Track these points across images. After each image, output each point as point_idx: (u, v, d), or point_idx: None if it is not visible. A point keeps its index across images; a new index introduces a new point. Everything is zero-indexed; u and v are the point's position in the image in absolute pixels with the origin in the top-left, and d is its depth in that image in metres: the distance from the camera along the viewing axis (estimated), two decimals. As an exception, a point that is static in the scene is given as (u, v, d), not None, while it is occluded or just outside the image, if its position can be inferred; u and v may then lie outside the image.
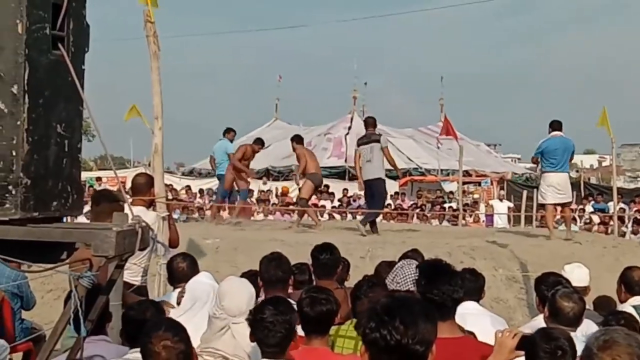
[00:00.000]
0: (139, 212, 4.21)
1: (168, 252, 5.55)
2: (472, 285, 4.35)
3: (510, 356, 2.84)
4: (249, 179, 12.77)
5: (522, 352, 2.85)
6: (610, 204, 16.45)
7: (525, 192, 17.71)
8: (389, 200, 16.26)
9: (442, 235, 11.13)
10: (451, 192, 21.83)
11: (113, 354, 3.32)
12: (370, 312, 2.11)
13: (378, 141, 10.25)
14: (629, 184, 37.39)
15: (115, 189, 9.98)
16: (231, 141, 12.96)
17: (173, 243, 5.94)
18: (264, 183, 22.67)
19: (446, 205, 19.72)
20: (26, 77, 2.65)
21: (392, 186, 16.27)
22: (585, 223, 16.87)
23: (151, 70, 6.53)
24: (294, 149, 11.54)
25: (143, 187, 5.63)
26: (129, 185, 6.46)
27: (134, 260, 4.90)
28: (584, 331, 3.57)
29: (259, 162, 20.18)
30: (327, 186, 19.13)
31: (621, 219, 14.95)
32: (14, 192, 2.64)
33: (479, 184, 23.31)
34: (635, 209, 17.54)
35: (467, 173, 22.10)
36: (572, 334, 3.18)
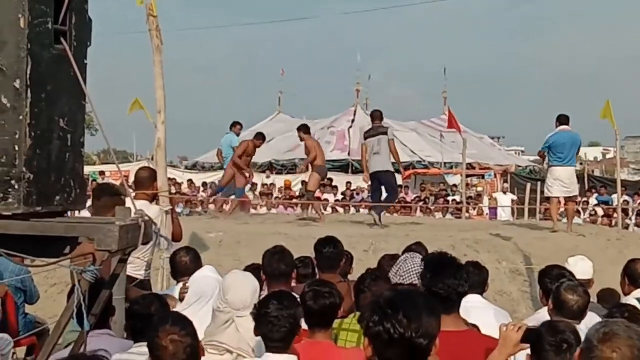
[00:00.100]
0: (142, 205, 4.20)
1: (171, 246, 5.56)
2: (475, 278, 4.32)
3: (515, 349, 2.84)
4: (248, 175, 12.68)
5: (527, 345, 2.85)
6: (614, 196, 16.44)
7: (528, 185, 17.60)
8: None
9: (446, 228, 11.13)
10: (454, 185, 21.78)
11: (116, 348, 3.31)
12: (374, 305, 2.11)
13: (385, 133, 10.24)
14: (632, 176, 37.21)
15: (118, 182, 10.02)
16: (237, 135, 12.93)
17: (176, 237, 5.95)
18: (267, 176, 22.65)
19: (450, 198, 19.67)
20: (28, 72, 2.65)
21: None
22: (590, 215, 16.85)
23: (154, 63, 6.51)
24: (302, 139, 11.46)
25: (146, 181, 5.64)
26: (132, 179, 6.46)
27: (137, 254, 4.92)
28: (588, 324, 3.56)
29: (262, 156, 20.17)
30: (330, 179, 19.10)
31: (625, 212, 14.92)
32: (16, 186, 2.64)
33: (483, 176, 23.19)
34: (639, 201, 17.50)
35: (470, 166, 22.01)
36: (577, 326, 3.18)
